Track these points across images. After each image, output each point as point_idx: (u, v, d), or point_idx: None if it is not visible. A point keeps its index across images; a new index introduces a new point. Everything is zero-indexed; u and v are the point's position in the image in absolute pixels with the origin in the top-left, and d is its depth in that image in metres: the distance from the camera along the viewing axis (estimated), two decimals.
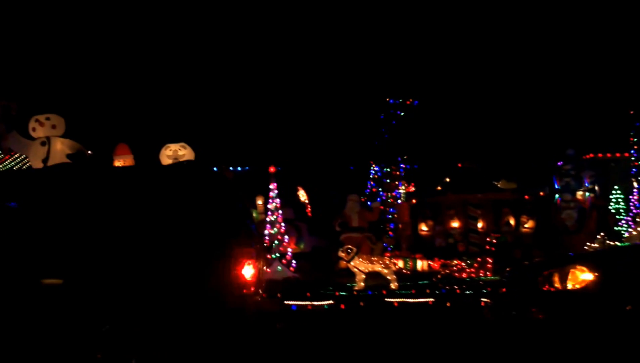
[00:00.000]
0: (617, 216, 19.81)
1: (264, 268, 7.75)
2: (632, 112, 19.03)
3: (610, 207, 20.20)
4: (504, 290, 7.18)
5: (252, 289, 6.19)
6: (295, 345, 8.47)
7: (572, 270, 6.06)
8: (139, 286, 5.77)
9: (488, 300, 7.33)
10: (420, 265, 16.39)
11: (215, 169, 15.79)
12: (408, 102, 18.75)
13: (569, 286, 6.04)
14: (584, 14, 25.58)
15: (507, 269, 8.55)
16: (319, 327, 10.17)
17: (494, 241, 16.49)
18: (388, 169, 18.86)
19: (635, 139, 19.15)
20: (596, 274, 5.96)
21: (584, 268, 6.02)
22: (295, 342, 8.68)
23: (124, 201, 6.20)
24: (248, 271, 6.08)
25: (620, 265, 6.15)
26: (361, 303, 11.54)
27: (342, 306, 11.31)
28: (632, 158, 19.39)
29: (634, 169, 19.28)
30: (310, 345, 8.71)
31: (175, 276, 5.84)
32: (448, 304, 11.34)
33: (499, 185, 19.85)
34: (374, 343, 8.76)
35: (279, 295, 11.85)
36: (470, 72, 26.95)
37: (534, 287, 6.31)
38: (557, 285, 6.12)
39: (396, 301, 11.60)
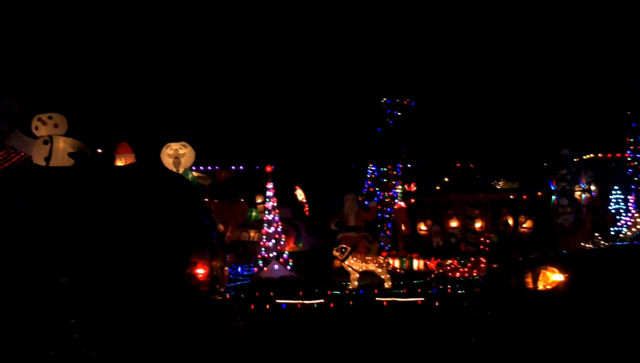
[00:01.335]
0: (617, 217, 19.85)
1: (225, 267, 7.80)
2: (629, 112, 19.01)
3: (610, 207, 20.24)
4: (478, 290, 7.27)
5: (206, 289, 6.23)
6: (250, 344, 8.59)
7: (543, 271, 6.13)
8: (89, 284, 5.84)
9: (465, 301, 7.40)
10: (417, 264, 16.44)
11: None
12: (405, 102, 18.81)
13: (540, 287, 6.12)
14: (583, 17, 25.58)
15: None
16: (287, 326, 10.28)
17: (488, 241, 16.56)
18: (385, 169, 18.94)
19: (632, 140, 19.13)
20: (566, 275, 6.03)
21: (555, 269, 6.09)
22: (253, 341, 8.80)
23: (79, 201, 6.28)
24: (200, 270, 6.15)
25: (591, 266, 6.23)
26: (350, 302, 11.64)
27: (332, 305, 11.41)
28: (629, 159, 19.39)
29: (630, 170, 19.27)
30: (268, 343, 8.86)
31: (123, 274, 5.89)
32: (437, 303, 11.42)
33: (500, 185, 19.90)
34: (343, 342, 8.89)
35: (271, 293, 12.00)
36: (470, 74, 26.99)
37: (507, 287, 6.40)
38: (529, 285, 6.19)
39: (385, 301, 11.68)
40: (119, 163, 15.91)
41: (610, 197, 20.83)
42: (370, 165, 19.45)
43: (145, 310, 5.83)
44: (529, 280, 6.24)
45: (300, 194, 20.95)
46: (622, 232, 18.34)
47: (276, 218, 15.40)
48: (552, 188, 17.53)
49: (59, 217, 6.17)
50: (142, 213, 6.22)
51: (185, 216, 6.41)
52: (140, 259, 5.98)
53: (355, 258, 13.54)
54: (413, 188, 20.64)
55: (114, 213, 6.18)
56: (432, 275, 14.56)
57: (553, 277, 6.10)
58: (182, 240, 6.15)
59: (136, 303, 5.83)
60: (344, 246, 13.95)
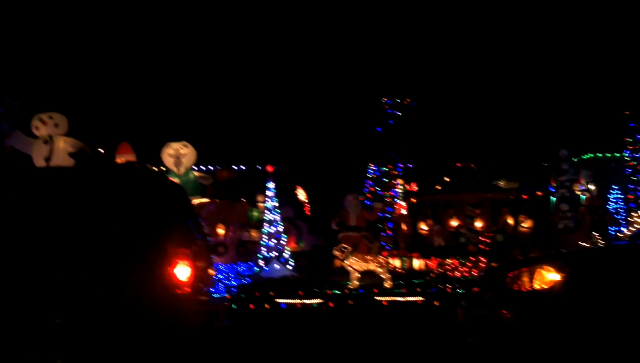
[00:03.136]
0: (616, 216, 19.87)
1: (209, 268, 7.74)
2: (627, 112, 19.08)
3: (609, 207, 20.26)
4: (476, 289, 7.30)
5: (187, 289, 6.19)
6: (234, 345, 8.64)
7: (539, 270, 6.15)
8: (63, 286, 5.83)
9: (462, 300, 7.41)
10: (418, 264, 16.47)
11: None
12: (405, 102, 18.83)
13: (536, 286, 6.14)
14: (582, 18, 25.61)
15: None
16: (272, 326, 10.31)
17: (488, 240, 16.58)
18: (386, 169, 18.96)
19: (630, 140, 19.21)
20: (563, 274, 6.05)
21: (551, 268, 6.11)
22: (236, 342, 8.85)
23: (48, 201, 6.26)
24: (182, 271, 6.12)
25: (588, 265, 6.24)
26: (350, 302, 11.66)
27: (331, 304, 11.45)
28: (627, 158, 19.45)
29: (628, 170, 19.35)
30: (250, 344, 8.91)
31: (101, 276, 5.86)
32: (436, 303, 11.44)
33: (500, 184, 19.91)
34: (342, 341, 8.93)
35: (271, 293, 12.04)
36: (470, 73, 27.02)
37: (503, 287, 6.41)
38: (525, 285, 6.20)
39: (385, 300, 11.70)
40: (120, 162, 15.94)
41: (610, 197, 20.85)
42: (371, 165, 19.46)
43: (127, 310, 5.81)
44: (526, 279, 6.25)
45: (301, 194, 20.96)
46: (621, 232, 18.35)
47: (277, 217, 15.43)
48: (552, 190, 17.54)
49: (51, 216, 6.17)
50: (124, 213, 6.19)
51: (167, 217, 6.37)
52: (125, 259, 5.97)
53: (356, 258, 13.55)
54: (414, 187, 20.67)
55: (98, 213, 6.16)
56: (432, 275, 14.57)
57: (549, 276, 6.12)
58: (164, 240, 6.12)
59: (119, 304, 5.82)
60: (344, 245, 13.96)
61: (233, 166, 22.97)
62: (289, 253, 15.44)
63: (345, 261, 13.59)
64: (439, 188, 19.13)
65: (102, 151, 16.59)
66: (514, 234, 17.65)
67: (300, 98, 26.91)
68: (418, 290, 12.47)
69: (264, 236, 15.40)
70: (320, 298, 11.75)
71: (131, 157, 16.28)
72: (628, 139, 19.35)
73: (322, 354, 8.31)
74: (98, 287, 5.85)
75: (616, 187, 20.77)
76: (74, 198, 6.30)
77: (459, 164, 18.74)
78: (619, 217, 19.82)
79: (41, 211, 6.19)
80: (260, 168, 21.61)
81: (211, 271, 7.85)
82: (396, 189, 18.84)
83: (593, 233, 17.36)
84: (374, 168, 19.38)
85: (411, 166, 19.94)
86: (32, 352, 5.57)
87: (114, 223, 6.13)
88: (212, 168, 23.01)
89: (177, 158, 17.27)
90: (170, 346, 6.00)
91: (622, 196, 20.44)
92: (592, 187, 19.15)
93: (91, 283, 5.86)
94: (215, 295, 12.17)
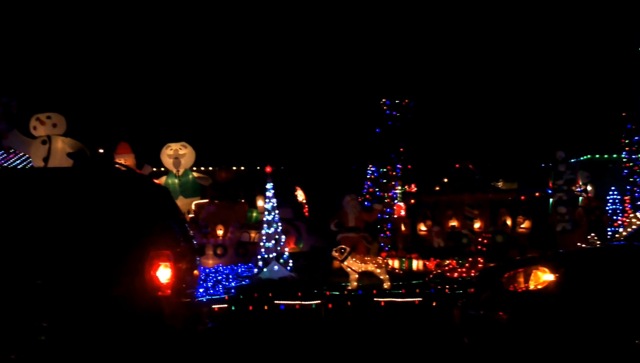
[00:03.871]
0: (614, 217, 19.93)
1: (194, 270, 7.69)
2: (624, 114, 19.16)
3: (607, 208, 20.34)
4: (472, 290, 7.32)
5: (168, 291, 6.14)
6: (233, 347, 8.68)
7: (534, 271, 6.18)
8: (43, 288, 5.79)
9: (459, 301, 7.44)
10: (416, 264, 16.50)
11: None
12: (404, 103, 18.87)
13: (531, 286, 6.17)
14: (580, 21, 25.70)
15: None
16: (271, 328, 10.35)
17: (485, 241, 16.60)
18: (385, 170, 19.00)
19: (627, 141, 19.30)
20: (557, 275, 6.08)
21: (546, 269, 6.15)
22: (235, 343, 8.89)
23: (24, 202, 6.21)
24: (164, 273, 6.09)
25: (583, 266, 6.27)
26: (349, 303, 11.68)
27: (330, 305, 11.47)
28: (624, 159, 19.54)
29: (625, 171, 19.43)
30: (249, 346, 8.97)
31: (80, 278, 5.82)
32: (434, 303, 11.46)
33: (499, 185, 19.95)
34: (339, 342, 8.96)
35: (270, 294, 12.05)
36: (469, 75, 27.11)
37: (499, 288, 6.44)
38: (520, 285, 6.24)
39: (383, 301, 11.72)
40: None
41: (608, 198, 20.92)
42: (370, 166, 19.52)
43: (107, 312, 5.79)
44: (521, 279, 6.29)
45: (300, 195, 21.00)
46: (619, 232, 18.41)
47: (276, 218, 15.44)
48: (550, 192, 17.57)
49: (26, 218, 6.14)
50: (104, 215, 6.15)
51: (149, 219, 6.35)
52: (105, 261, 5.95)
53: (354, 259, 13.56)
54: (413, 188, 20.71)
55: (76, 215, 6.12)
56: (430, 275, 14.59)
57: (544, 277, 6.15)
58: (145, 242, 6.10)
59: (99, 306, 5.80)
60: (343, 246, 13.97)
61: (232, 167, 23.03)
62: (287, 254, 15.45)
63: (344, 262, 13.60)
64: (438, 188, 19.16)
65: (102, 151, 16.62)
66: (512, 235, 17.68)
67: (299, 99, 26.99)
68: (417, 290, 12.49)
69: (263, 237, 15.41)
70: (319, 299, 11.77)
71: (130, 157, 16.28)
72: (625, 140, 19.42)
73: (321, 355, 8.33)
74: (78, 289, 5.81)
75: (613, 188, 20.86)
76: (52, 199, 6.24)
77: (457, 166, 18.77)
78: (616, 218, 19.89)
79: (17, 214, 6.14)
80: (258, 168, 21.65)
81: (196, 273, 7.80)
82: (395, 190, 18.88)
83: (592, 234, 17.41)
84: (372, 169, 19.44)
85: (410, 167, 20.00)
86: (14, 355, 5.55)
87: (94, 225, 6.06)
88: (211, 169, 23.08)
89: (176, 159, 17.34)
90: (152, 348, 5.97)
91: (619, 197, 20.53)
92: (589, 188, 19.22)
93: (71, 285, 5.83)
94: (215, 297, 12.21)
